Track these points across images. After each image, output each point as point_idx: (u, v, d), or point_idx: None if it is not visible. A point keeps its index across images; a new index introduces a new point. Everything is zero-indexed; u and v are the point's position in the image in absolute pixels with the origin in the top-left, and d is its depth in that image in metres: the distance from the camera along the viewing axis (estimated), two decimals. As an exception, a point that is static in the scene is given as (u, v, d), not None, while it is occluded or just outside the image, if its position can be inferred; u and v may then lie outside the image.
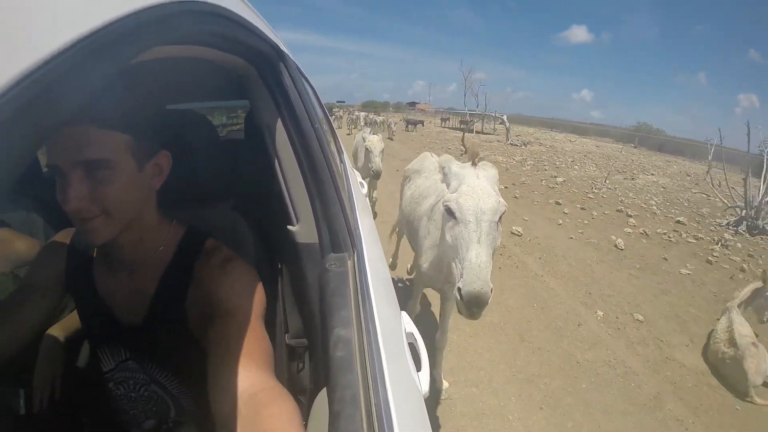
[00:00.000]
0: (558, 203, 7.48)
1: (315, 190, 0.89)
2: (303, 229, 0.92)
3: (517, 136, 19.93)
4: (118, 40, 0.32)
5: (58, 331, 1.02)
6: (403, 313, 0.97)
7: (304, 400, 1.03)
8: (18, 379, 0.93)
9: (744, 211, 7.00)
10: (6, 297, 0.85)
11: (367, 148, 4.44)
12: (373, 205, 5.13)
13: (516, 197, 7.80)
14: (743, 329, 2.95)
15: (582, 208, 7.28)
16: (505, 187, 8.37)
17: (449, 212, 1.40)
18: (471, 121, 24.96)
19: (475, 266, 1.26)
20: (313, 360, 1.03)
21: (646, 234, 6.27)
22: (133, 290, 0.78)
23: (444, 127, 27.57)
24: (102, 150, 0.62)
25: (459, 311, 1.33)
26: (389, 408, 0.58)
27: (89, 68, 0.29)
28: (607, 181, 10.16)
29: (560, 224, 6.34)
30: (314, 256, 0.90)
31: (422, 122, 27.03)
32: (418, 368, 0.85)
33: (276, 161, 0.92)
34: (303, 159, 0.89)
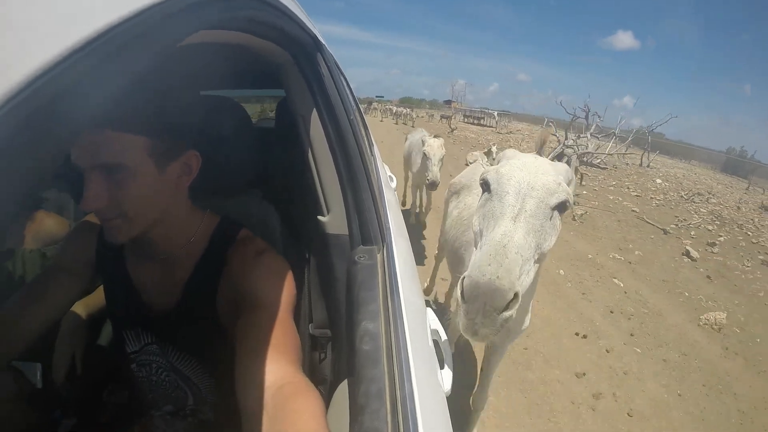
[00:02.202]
0: (474, 156, 11.84)
1: (347, 181, 0.89)
2: (333, 221, 0.92)
3: (518, 129, 26.59)
4: (163, 20, 0.32)
5: (80, 308, 1.01)
6: (428, 309, 0.96)
7: (324, 390, 1.04)
8: (37, 354, 0.95)
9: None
10: (35, 277, 0.87)
11: (425, 154, 3.75)
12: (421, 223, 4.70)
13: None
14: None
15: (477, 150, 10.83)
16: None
17: (485, 185, 1.02)
18: (451, 115, 32.08)
19: (497, 245, 0.83)
20: (335, 351, 1.03)
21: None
22: (165, 278, 0.79)
23: (461, 122, 33.85)
24: (118, 154, 0.61)
25: (458, 325, 0.90)
26: (414, 405, 0.57)
27: (126, 56, 0.28)
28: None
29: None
30: (343, 248, 0.90)
31: (451, 117, 31.90)
32: (441, 366, 0.83)
33: (309, 151, 0.92)
34: (337, 150, 0.88)
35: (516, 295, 0.80)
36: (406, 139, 4.89)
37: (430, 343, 0.83)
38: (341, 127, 0.90)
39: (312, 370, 1.08)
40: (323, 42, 1.04)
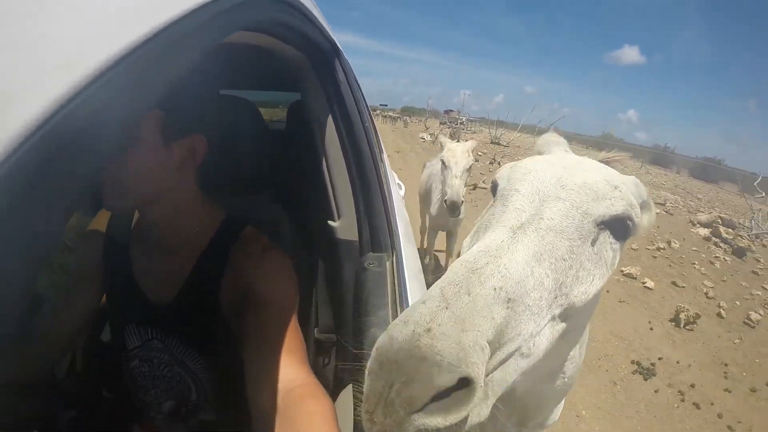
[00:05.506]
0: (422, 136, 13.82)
1: (360, 187, 0.89)
2: (344, 226, 0.91)
3: (480, 129, 29.28)
4: (208, 21, 0.33)
5: None
6: None
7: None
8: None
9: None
10: (62, 290, 0.89)
11: (443, 162, 2.54)
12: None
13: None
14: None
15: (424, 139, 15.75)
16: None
17: (493, 189, 0.66)
18: (446, 122, 34.99)
19: (461, 267, 0.46)
20: (340, 356, 1.02)
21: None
22: (167, 270, 0.79)
23: (447, 127, 36.29)
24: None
25: None
26: None
27: (175, 55, 0.31)
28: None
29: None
30: (353, 254, 0.90)
31: (446, 123, 35.97)
32: None
33: (323, 155, 0.92)
34: (350, 155, 0.89)
35: (468, 381, 0.39)
36: (424, 167, 3.63)
37: None
38: (356, 133, 0.90)
39: (315, 375, 1.07)
40: (341, 48, 1.05)
